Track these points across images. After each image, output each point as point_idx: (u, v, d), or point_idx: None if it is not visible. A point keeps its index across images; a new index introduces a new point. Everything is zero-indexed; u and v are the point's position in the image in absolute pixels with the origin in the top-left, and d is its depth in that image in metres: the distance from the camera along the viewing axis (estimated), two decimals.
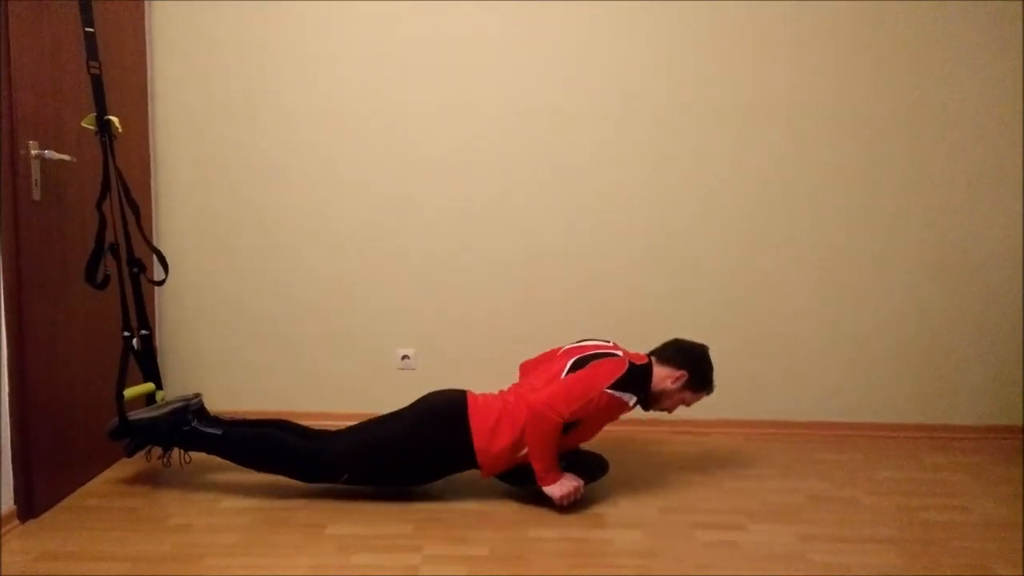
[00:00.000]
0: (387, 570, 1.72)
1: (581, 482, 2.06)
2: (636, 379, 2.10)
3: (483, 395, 2.15)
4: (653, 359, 2.22)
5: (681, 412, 2.41)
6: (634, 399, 2.10)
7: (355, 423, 2.16)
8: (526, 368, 2.33)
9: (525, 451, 2.05)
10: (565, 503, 2.04)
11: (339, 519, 1.99)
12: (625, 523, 2.01)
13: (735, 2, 2.67)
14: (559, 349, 2.29)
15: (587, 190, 2.74)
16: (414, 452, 2.07)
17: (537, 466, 2.03)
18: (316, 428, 2.18)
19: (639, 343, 2.30)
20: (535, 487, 2.06)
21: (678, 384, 2.17)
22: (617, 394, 2.04)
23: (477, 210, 2.74)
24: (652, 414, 2.28)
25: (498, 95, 2.69)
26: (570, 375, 2.08)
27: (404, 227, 2.74)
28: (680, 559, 1.81)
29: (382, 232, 2.74)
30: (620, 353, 2.16)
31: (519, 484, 2.14)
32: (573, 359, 2.13)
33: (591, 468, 2.18)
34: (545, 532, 1.94)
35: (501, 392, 2.19)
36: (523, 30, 2.67)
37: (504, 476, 2.16)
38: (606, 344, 2.23)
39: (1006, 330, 2.84)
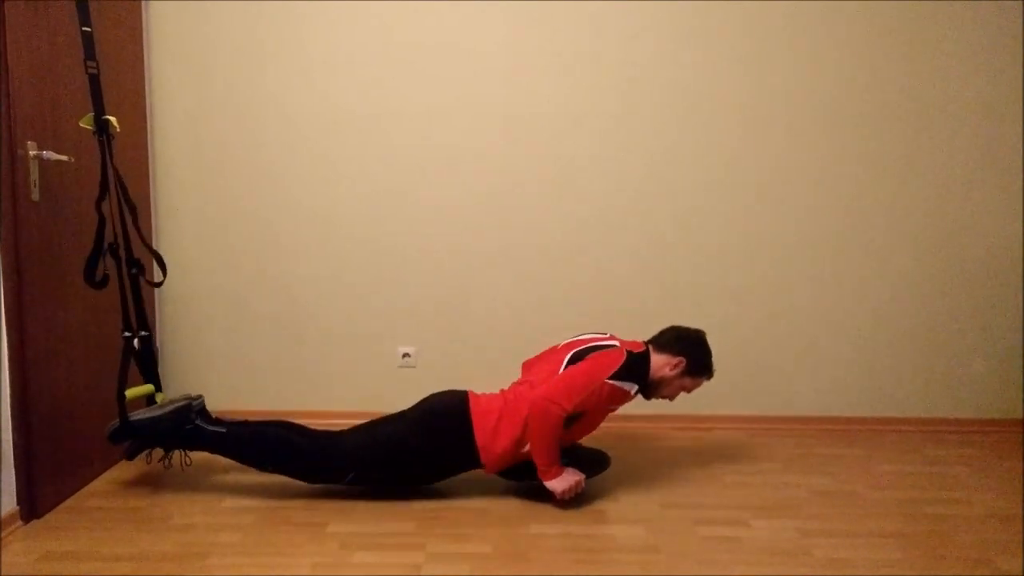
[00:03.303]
0: (390, 568, 1.72)
1: (582, 476, 2.07)
2: (635, 368, 2.10)
3: (484, 395, 2.15)
4: (650, 347, 2.21)
5: (683, 407, 2.41)
6: (635, 388, 2.09)
7: (358, 424, 2.16)
8: (527, 366, 2.33)
9: (528, 448, 2.06)
10: (567, 497, 2.04)
11: (341, 518, 1.99)
12: (627, 519, 2.01)
13: (735, 1, 2.68)
14: (558, 345, 2.29)
15: (587, 189, 2.74)
16: (418, 452, 2.07)
17: (539, 461, 2.03)
18: (319, 429, 2.17)
19: (641, 339, 2.30)
20: (536, 482, 2.06)
21: (677, 371, 2.16)
22: (618, 384, 2.04)
23: (477, 209, 2.74)
24: (654, 402, 2.27)
25: (497, 96, 2.68)
26: (570, 368, 2.08)
27: (404, 225, 2.74)
28: (682, 555, 1.81)
29: (382, 230, 2.74)
30: (617, 343, 2.16)
31: (520, 479, 2.14)
32: (571, 353, 2.13)
33: (592, 464, 2.18)
34: (547, 528, 1.94)
35: (502, 391, 2.19)
36: (522, 32, 2.66)
37: (505, 471, 2.17)
38: (603, 336, 2.23)
39: (1007, 323, 2.84)
